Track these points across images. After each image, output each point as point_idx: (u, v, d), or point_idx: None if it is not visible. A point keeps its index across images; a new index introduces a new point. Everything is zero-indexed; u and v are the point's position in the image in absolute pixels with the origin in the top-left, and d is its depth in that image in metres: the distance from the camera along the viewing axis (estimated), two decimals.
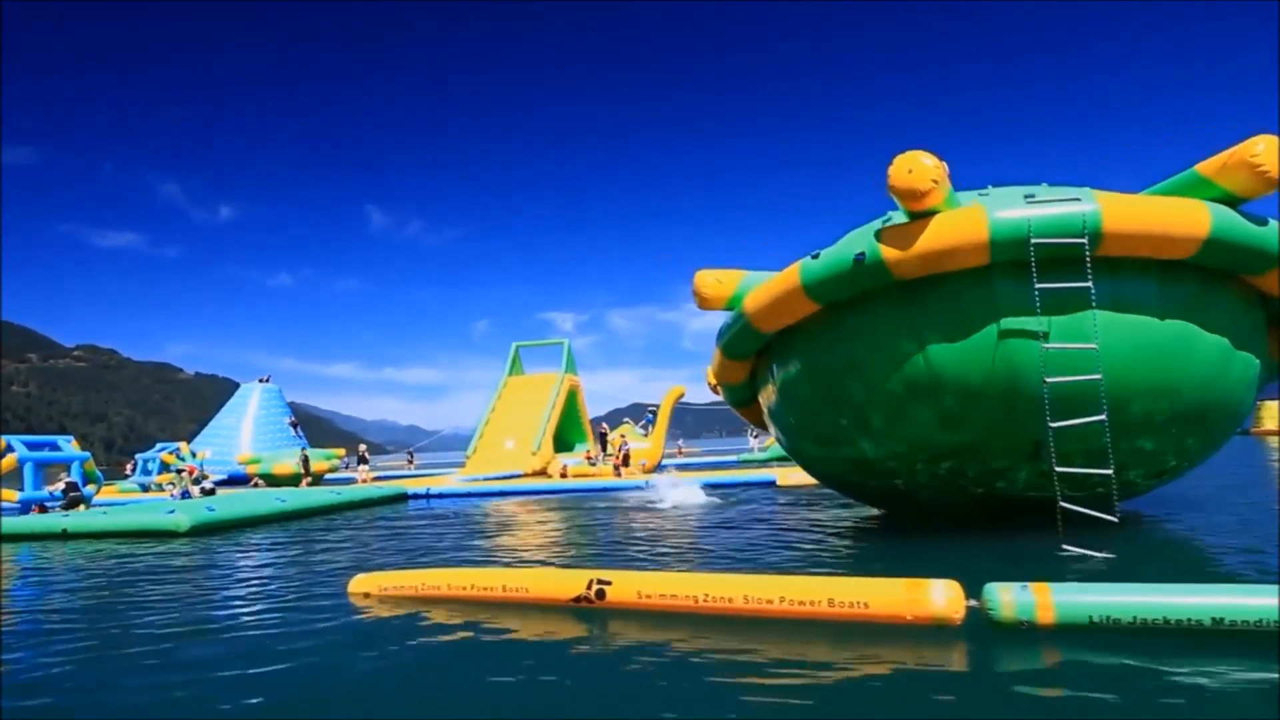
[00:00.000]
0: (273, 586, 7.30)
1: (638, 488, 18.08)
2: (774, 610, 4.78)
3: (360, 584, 6.61)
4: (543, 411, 30.82)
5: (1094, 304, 6.75)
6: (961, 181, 7.84)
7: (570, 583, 5.56)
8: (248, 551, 10.23)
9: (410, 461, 35.37)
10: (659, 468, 23.00)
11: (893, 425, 7.93)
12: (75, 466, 18.17)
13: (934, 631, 4.41)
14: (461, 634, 5.20)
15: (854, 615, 4.55)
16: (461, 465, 30.05)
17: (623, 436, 25.00)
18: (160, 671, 4.57)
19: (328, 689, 4.19)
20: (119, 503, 18.42)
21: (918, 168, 6.79)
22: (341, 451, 30.77)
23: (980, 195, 7.53)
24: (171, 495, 18.94)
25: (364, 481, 23.85)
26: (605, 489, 18.47)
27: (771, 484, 16.93)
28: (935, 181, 6.80)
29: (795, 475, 16.73)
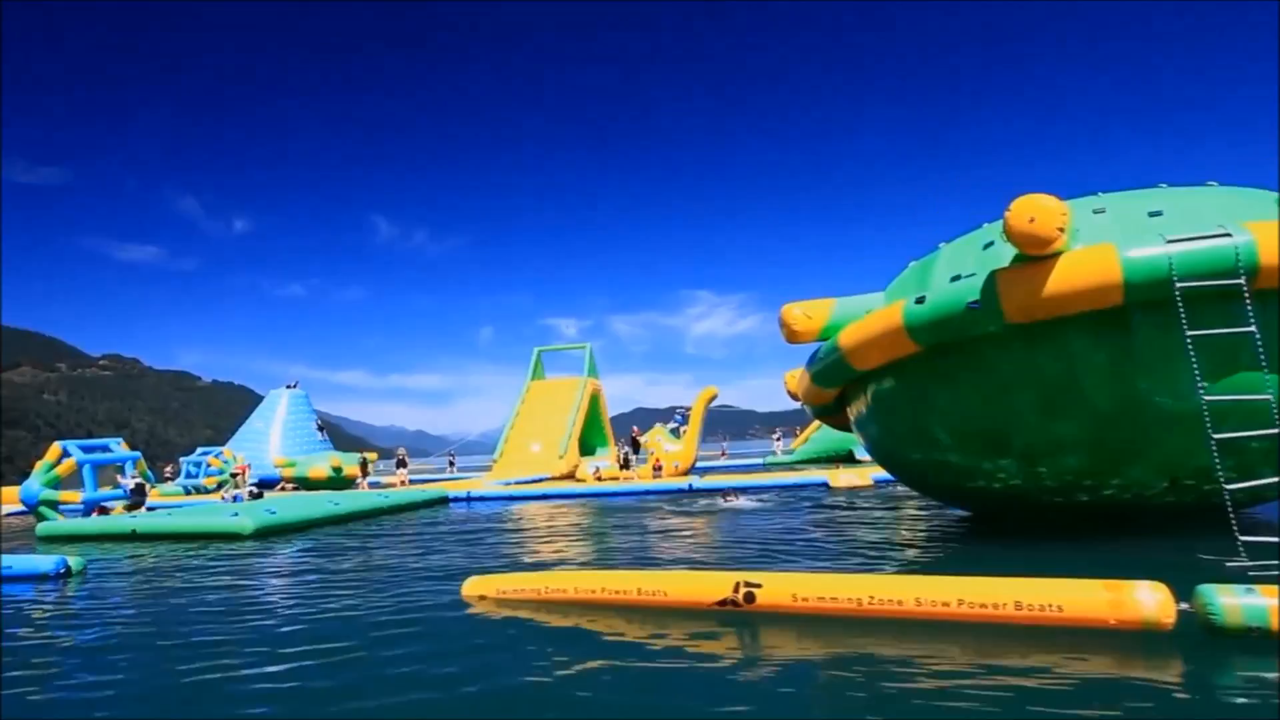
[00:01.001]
0: (380, 590, 6.93)
1: (681, 490, 17.68)
2: (951, 613, 4.43)
3: (475, 586, 6.24)
4: (567, 416, 30.53)
5: (1262, 355, 5.99)
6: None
7: (714, 585, 5.20)
8: (331, 554, 9.84)
9: (452, 464, 35.10)
10: (692, 469, 22.52)
11: (1002, 460, 7.58)
12: (128, 466, 17.89)
13: (1136, 638, 4.05)
14: (598, 640, 4.86)
15: (1045, 619, 4.19)
16: (488, 469, 29.65)
17: (626, 443, 24.76)
18: (294, 692, 4.19)
19: (470, 699, 3.88)
20: (174, 505, 18.04)
21: (1041, 214, 6.27)
22: (373, 455, 30.38)
23: (1095, 211, 7.05)
24: (224, 498, 18.56)
25: (401, 485, 23.43)
26: (647, 491, 18.04)
27: (824, 485, 16.56)
28: (1061, 229, 6.31)
29: (846, 478, 16.44)
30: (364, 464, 25.58)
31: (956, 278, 7.30)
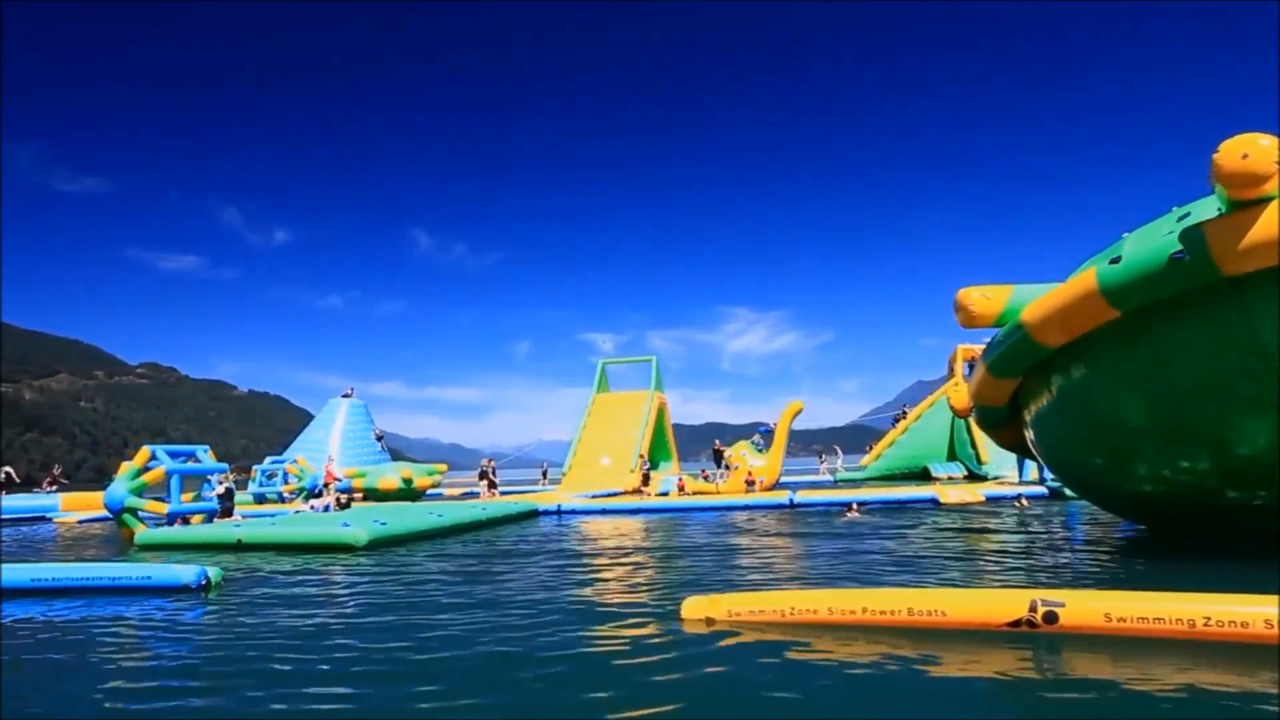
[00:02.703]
0: (580, 612, 6.60)
1: (783, 505, 17.30)
2: None
3: (699, 607, 5.90)
4: (635, 430, 30.30)
5: None
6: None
7: (1003, 604, 4.87)
8: (478, 572, 9.57)
9: (545, 477, 35.21)
10: (778, 485, 22.13)
11: (1223, 443, 7.11)
12: (213, 480, 17.94)
13: None
14: (874, 668, 4.44)
15: None
16: (557, 482, 29.51)
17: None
18: None
19: None
20: (266, 514, 18.15)
21: (1255, 151, 6.03)
22: (444, 467, 30.42)
23: None
24: (312, 507, 18.61)
25: (485, 496, 23.41)
26: (747, 506, 17.67)
27: (933, 502, 16.17)
28: (1278, 163, 6.01)
29: (956, 494, 16.02)
30: (492, 472, 25.07)
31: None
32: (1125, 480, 8.36)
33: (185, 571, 8.52)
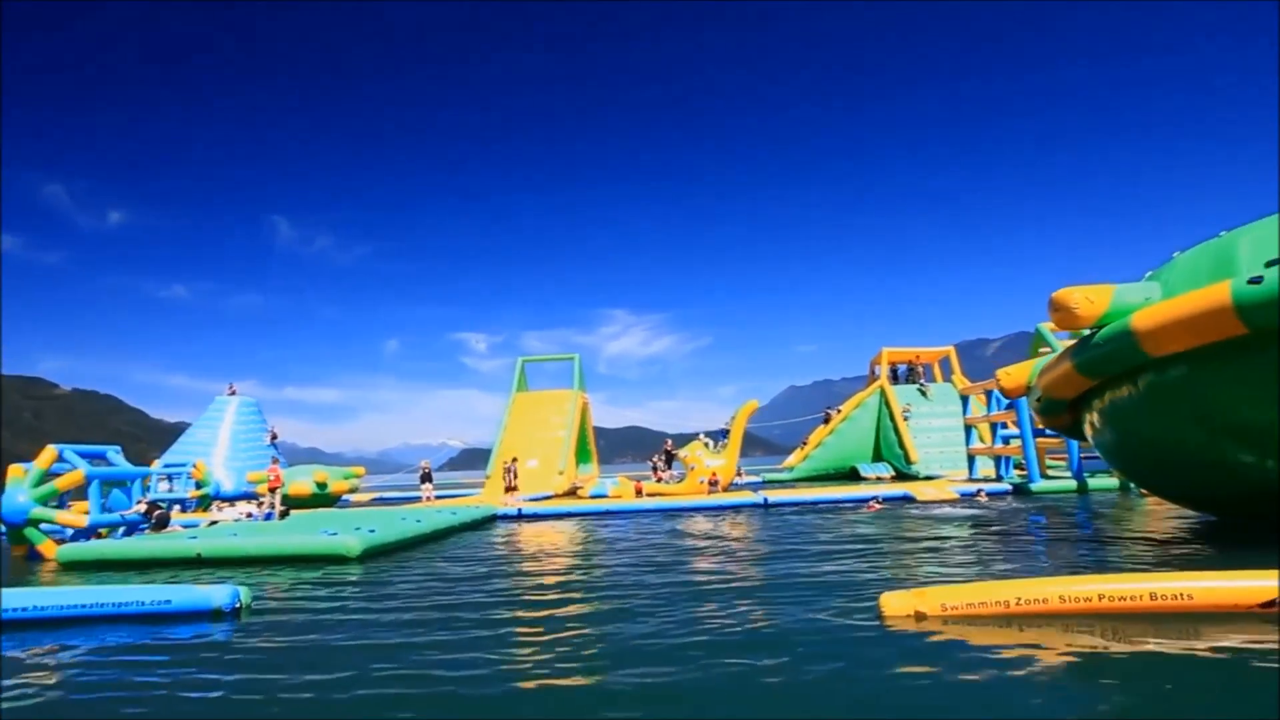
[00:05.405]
0: (771, 616, 5.90)
1: (757, 505, 17.16)
2: None
3: (904, 602, 5.42)
4: (561, 430, 29.48)
5: None
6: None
7: (1252, 585, 4.85)
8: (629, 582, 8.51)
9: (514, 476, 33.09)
10: (733, 485, 21.99)
11: None
12: (138, 484, 15.55)
13: None
14: (1144, 660, 4.27)
15: None
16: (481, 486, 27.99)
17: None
18: None
19: None
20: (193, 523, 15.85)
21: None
22: (361, 470, 28.10)
23: None
24: (251, 516, 16.48)
25: (427, 500, 21.79)
26: (721, 507, 17.31)
27: (908, 499, 16.69)
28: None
29: (930, 491, 16.54)
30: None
31: (1275, 262, 7.11)
32: (1226, 476, 8.40)
33: (217, 593, 7.07)
